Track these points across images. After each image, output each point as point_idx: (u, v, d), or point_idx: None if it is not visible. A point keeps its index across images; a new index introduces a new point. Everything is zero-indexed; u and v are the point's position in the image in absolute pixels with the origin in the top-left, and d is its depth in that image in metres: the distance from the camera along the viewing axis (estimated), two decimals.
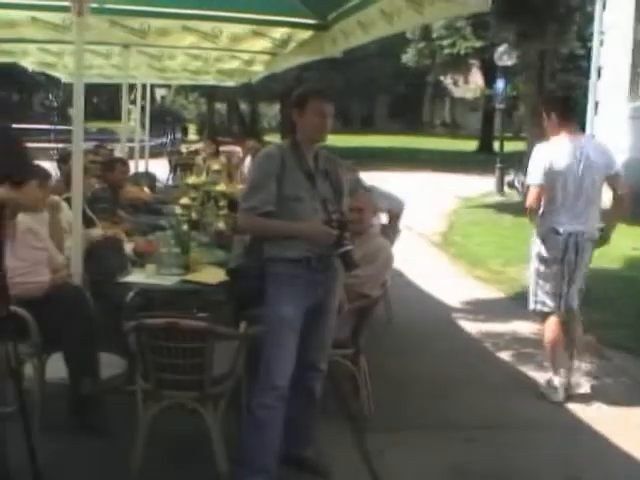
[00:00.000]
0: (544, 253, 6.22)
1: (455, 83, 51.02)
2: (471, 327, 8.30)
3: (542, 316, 6.40)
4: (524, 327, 8.00)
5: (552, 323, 6.27)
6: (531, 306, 6.42)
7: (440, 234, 14.99)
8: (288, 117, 4.54)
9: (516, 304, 8.15)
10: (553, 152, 6.14)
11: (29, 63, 12.09)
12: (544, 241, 6.22)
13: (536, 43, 18.58)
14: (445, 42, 36.66)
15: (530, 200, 6.17)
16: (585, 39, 30.69)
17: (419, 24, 9.82)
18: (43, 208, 6.07)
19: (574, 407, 6.11)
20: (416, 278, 9.96)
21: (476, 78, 49.20)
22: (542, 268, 6.26)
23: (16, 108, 43.69)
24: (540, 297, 6.30)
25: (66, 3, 5.93)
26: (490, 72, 41.71)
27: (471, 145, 41.70)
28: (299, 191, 4.39)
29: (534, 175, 6.16)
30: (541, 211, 6.20)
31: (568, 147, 6.13)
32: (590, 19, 22.96)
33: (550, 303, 6.24)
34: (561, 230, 6.07)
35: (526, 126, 20.49)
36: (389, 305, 8.10)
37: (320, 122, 4.43)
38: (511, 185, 7.19)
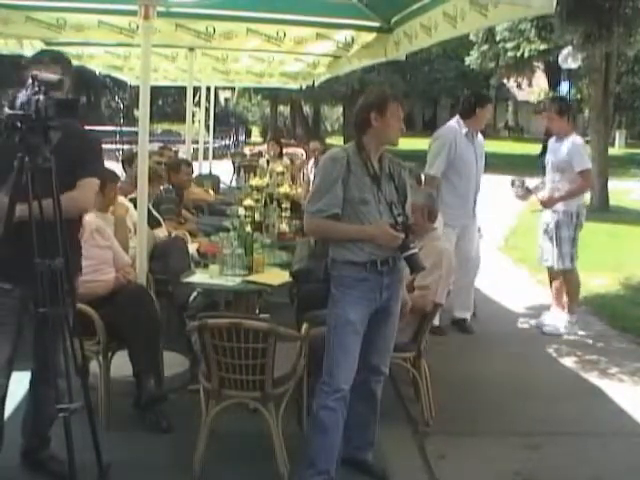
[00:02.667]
0: (582, 221, 7.89)
1: (519, 86, 50.22)
2: (533, 333, 8.22)
3: (570, 271, 7.98)
4: (586, 333, 7.89)
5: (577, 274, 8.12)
6: (571, 265, 7.93)
7: (503, 238, 14.85)
8: (359, 119, 4.52)
9: (578, 310, 8.04)
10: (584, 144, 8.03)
11: (95, 66, 12.25)
12: (580, 212, 7.88)
13: (601, 45, 18.29)
14: (509, 45, 36.12)
15: (591, 181, 8.03)
16: None
17: (483, 27, 9.74)
18: (107, 210, 6.21)
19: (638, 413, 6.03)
20: (478, 282, 9.88)
21: (540, 81, 48.55)
22: (576, 234, 7.84)
23: (84, 110, 44.30)
24: (574, 256, 7.90)
25: (133, 7, 6.01)
26: (554, 75, 41.21)
27: (535, 148, 41.13)
28: (365, 194, 4.39)
29: (588, 161, 7.84)
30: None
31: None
32: None
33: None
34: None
35: (591, 129, 20.15)
36: (475, 301, 8.57)
37: (398, 126, 4.47)
38: (529, 189, 6.97)
